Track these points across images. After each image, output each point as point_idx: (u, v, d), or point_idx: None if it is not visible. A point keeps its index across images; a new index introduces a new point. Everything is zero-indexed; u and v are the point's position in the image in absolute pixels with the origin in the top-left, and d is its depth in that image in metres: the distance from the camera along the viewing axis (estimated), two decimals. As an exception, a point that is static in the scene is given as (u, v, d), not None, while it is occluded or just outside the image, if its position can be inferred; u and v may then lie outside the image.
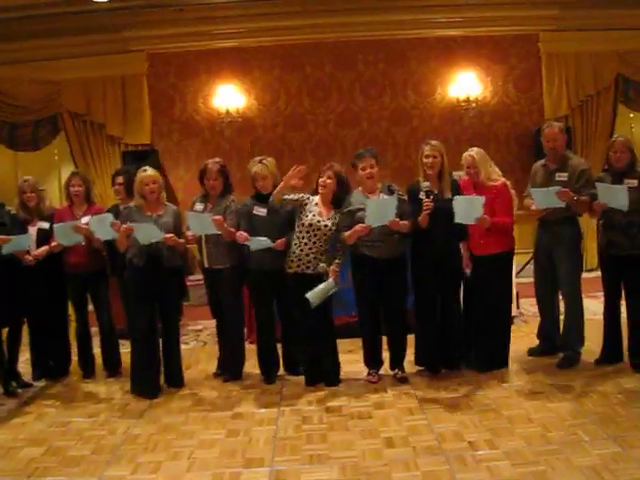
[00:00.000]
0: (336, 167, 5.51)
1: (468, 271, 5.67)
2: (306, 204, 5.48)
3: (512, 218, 5.62)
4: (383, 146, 9.53)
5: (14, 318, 5.87)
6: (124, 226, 5.36)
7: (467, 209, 5.27)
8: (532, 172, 6.00)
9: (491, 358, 5.72)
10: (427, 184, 5.41)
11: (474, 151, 5.65)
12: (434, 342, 5.65)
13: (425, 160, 5.49)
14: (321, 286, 5.30)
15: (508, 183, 5.67)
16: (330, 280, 5.34)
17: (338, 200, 5.51)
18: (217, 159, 5.86)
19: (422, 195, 5.40)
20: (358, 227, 5.27)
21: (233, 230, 5.52)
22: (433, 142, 5.55)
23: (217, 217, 5.44)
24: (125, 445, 4.61)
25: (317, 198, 5.52)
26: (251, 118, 10.03)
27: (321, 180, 5.48)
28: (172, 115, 10.05)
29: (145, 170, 5.63)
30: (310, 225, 5.41)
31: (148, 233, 5.35)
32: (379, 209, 5.24)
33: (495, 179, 5.60)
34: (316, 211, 5.46)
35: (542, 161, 5.94)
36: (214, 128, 10.02)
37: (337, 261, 5.47)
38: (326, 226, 5.42)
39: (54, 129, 10.02)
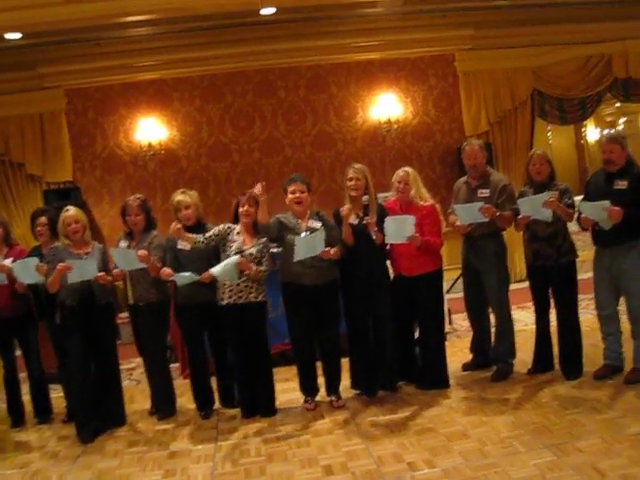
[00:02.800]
0: (254, 193, 5.47)
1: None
2: (228, 234, 5.44)
3: (441, 239, 5.68)
4: (308, 171, 9.55)
5: None
6: (61, 264, 5.21)
7: (398, 229, 5.31)
8: (455, 189, 6.09)
9: (431, 377, 5.75)
10: (366, 197, 5.45)
11: (408, 168, 5.73)
12: (369, 365, 5.65)
13: (349, 183, 5.52)
14: (224, 263, 5.25)
15: (437, 206, 5.74)
16: (235, 258, 5.25)
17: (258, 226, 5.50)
18: (138, 195, 5.81)
19: (351, 218, 5.44)
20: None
21: (159, 265, 5.44)
22: (357, 165, 5.59)
23: (142, 252, 5.36)
24: (58, 495, 4.45)
25: (238, 227, 5.48)
26: (174, 150, 9.93)
27: (242, 210, 5.44)
28: (94, 151, 9.87)
29: (67, 210, 5.52)
30: (235, 254, 5.37)
31: (83, 270, 5.23)
32: (308, 244, 5.24)
33: (425, 199, 5.66)
34: (240, 240, 5.42)
35: (464, 178, 6.04)
36: (137, 162, 9.88)
37: (256, 267, 5.39)
38: (251, 254, 5.38)
39: (-29, 170, 9.74)
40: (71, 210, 5.53)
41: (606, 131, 13.66)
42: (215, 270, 5.23)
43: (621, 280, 5.37)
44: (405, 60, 10.28)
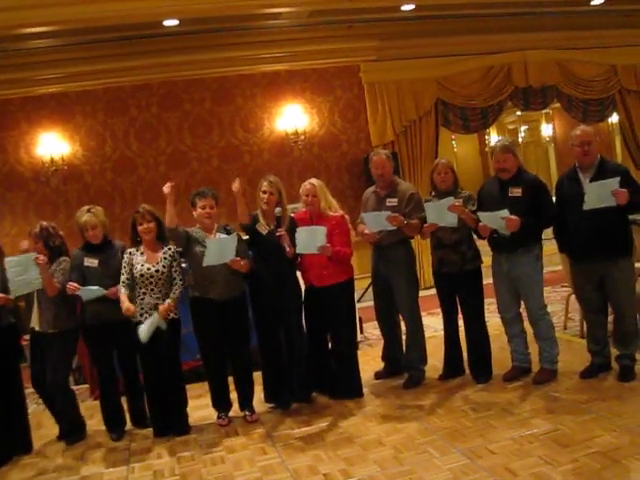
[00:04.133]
0: (147, 208, 5.40)
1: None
2: (132, 260, 5.33)
3: (351, 249, 5.72)
4: (215, 184, 9.41)
5: None
6: None
7: (309, 239, 5.33)
8: (364, 199, 6.14)
9: (345, 387, 5.76)
10: (279, 210, 5.44)
11: (314, 180, 5.73)
12: (281, 377, 5.62)
13: (262, 195, 5.50)
14: (147, 321, 5.14)
15: (347, 217, 5.77)
16: (154, 314, 5.16)
17: (162, 237, 5.43)
18: (43, 223, 5.58)
19: (260, 227, 5.49)
20: None
21: (58, 286, 5.26)
22: (271, 178, 5.59)
23: (41, 258, 5.15)
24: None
25: (142, 247, 5.37)
26: (77, 165, 9.70)
27: (142, 227, 5.32)
28: (-7, 167, 9.56)
29: None
30: (142, 276, 5.26)
31: None
32: (219, 249, 5.19)
33: (335, 210, 5.69)
34: (143, 260, 5.32)
35: (372, 188, 6.09)
36: (39, 178, 9.60)
37: (171, 295, 5.31)
38: (157, 271, 5.29)
39: None
40: None
41: (495, 140, 14.07)
42: (142, 332, 5.11)
43: (520, 284, 5.53)
44: (311, 71, 10.36)
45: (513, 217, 5.14)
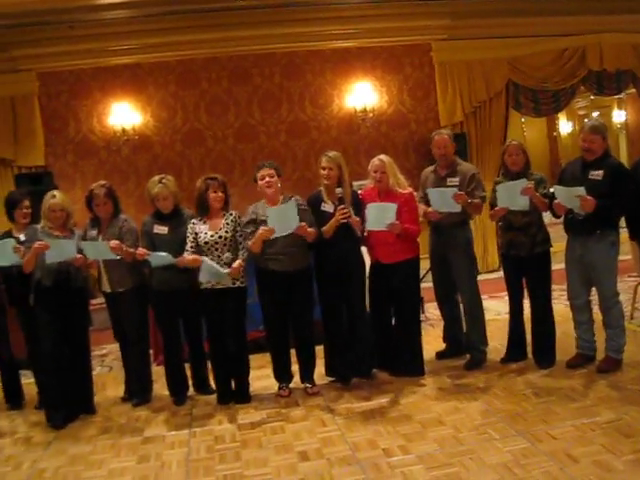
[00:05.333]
0: (221, 178, 5.50)
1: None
2: (195, 229, 5.41)
3: (419, 226, 5.70)
4: (282, 159, 9.51)
5: None
6: (39, 242, 5.15)
7: (379, 216, 5.33)
8: (422, 178, 6.10)
9: (407, 364, 5.77)
10: (340, 190, 5.42)
11: (383, 156, 5.72)
12: (343, 352, 5.66)
13: (322, 172, 5.51)
14: (214, 268, 5.22)
15: (415, 194, 5.75)
16: (226, 270, 5.23)
17: (226, 205, 5.52)
18: (102, 182, 5.69)
19: (326, 207, 5.48)
20: (260, 231, 5.23)
21: (132, 250, 5.39)
22: (331, 154, 5.57)
23: (114, 242, 5.29)
24: (31, 480, 4.41)
25: (204, 217, 5.46)
26: (148, 136, 9.83)
27: (215, 195, 5.39)
28: (66, 135, 9.73)
29: (54, 196, 5.44)
30: (207, 243, 5.34)
31: (61, 251, 5.17)
32: (281, 217, 5.21)
33: (403, 187, 5.66)
34: (206, 227, 5.40)
35: (431, 167, 6.06)
36: (110, 147, 9.76)
37: (240, 256, 5.37)
38: (221, 237, 5.36)
39: (-60, 153, 9.57)
40: (57, 197, 5.45)
41: (587, 120, 13.75)
42: (203, 273, 5.20)
43: (593, 271, 5.42)
44: (381, 48, 10.25)
45: (588, 197, 5.03)
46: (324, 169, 5.51)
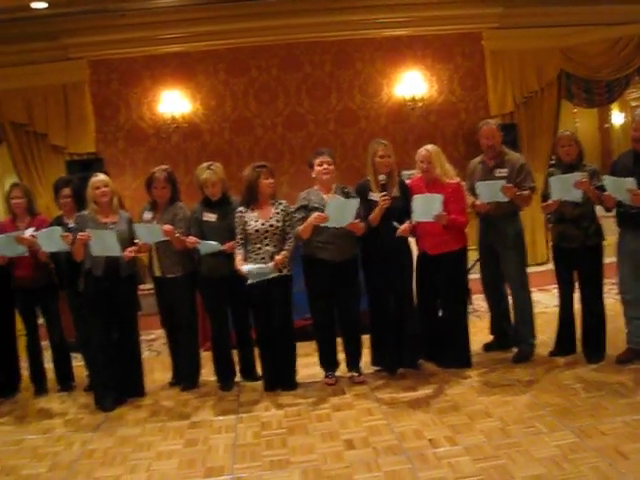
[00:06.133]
0: (269, 165, 5.52)
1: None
2: (244, 217, 5.43)
3: (467, 217, 5.65)
4: (331, 148, 9.30)
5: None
6: (82, 233, 5.24)
7: (425, 206, 5.29)
8: (469, 169, 6.03)
9: (453, 355, 5.73)
10: (383, 177, 5.39)
11: (430, 146, 5.67)
12: (389, 342, 5.64)
13: (380, 160, 5.47)
14: (258, 265, 5.25)
15: (463, 184, 5.69)
16: (270, 264, 5.25)
17: (274, 194, 5.53)
18: (164, 166, 5.79)
19: (374, 196, 5.43)
20: (314, 216, 5.22)
21: (184, 238, 5.44)
22: (384, 142, 5.55)
23: (167, 227, 5.37)
24: (81, 460, 4.51)
25: (252, 205, 5.47)
26: (197, 124, 9.90)
27: (267, 182, 5.42)
28: (117, 122, 9.85)
29: (97, 175, 5.57)
30: (257, 231, 5.36)
31: (105, 244, 5.23)
32: (339, 210, 5.21)
33: (451, 177, 5.61)
34: (256, 216, 5.41)
35: (479, 158, 5.99)
36: (160, 135, 9.85)
37: (286, 247, 5.40)
38: (271, 226, 5.38)
39: (-4, 140, 9.76)
40: (100, 175, 5.58)
41: (616, 117, 13.50)
42: (251, 275, 5.23)
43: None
44: (432, 37, 10.13)
45: (639, 191, 4.92)
46: (382, 157, 5.47)
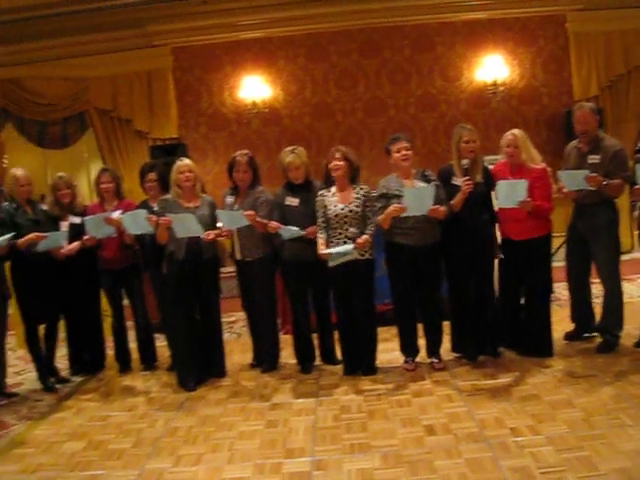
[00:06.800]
0: (342, 149, 5.49)
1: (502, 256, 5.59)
2: (324, 201, 5.45)
3: (552, 204, 5.51)
4: (411, 132, 9.38)
5: (51, 315, 5.94)
6: (163, 218, 5.37)
7: (510, 193, 5.21)
8: (566, 153, 5.88)
9: (535, 344, 5.64)
10: (466, 161, 5.35)
11: (516, 131, 5.56)
12: (470, 329, 5.61)
13: (466, 145, 5.40)
14: (340, 248, 5.26)
15: (549, 169, 5.58)
16: (351, 246, 5.26)
17: (354, 178, 5.52)
18: (245, 151, 5.85)
19: (457, 181, 5.37)
20: (392, 208, 5.21)
21: (265, 222, 5.51)
22: (469, 126, 5.50)
23: (249, 212, 5.44)
24: (165, 438, 4.64)
25: (333, 189, 5.48)
26: (278, 109, 10.00)
27: (331, 165, 5.42)
28: (199, 108, 10.06)
29: (182, 160, 5.70)
30: (337, 216, 5.37)
31: (186, 225, 5.35)
32: (417, 198, 5.18)
33: (536, 162, 5.51)
34: (336, 200, 5.43)
35: (575, 142, 5.80)
36: (241, 120, 10.00)
37: (367, 231, 5.39)
38: (351, 211, 5.38)
39: (82, 126, 10.04)
40: (186, 160, 5.70)
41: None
42: (333, 259, 5.26)
43: None
44: (514, 20, 9.97)
45: None
46: (468, 142, 5.40)
